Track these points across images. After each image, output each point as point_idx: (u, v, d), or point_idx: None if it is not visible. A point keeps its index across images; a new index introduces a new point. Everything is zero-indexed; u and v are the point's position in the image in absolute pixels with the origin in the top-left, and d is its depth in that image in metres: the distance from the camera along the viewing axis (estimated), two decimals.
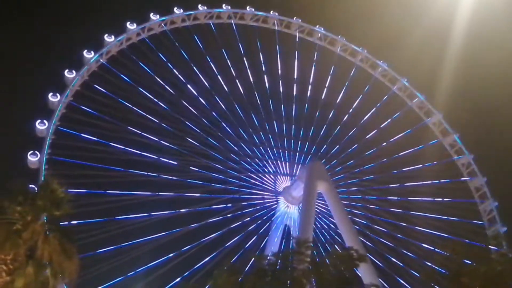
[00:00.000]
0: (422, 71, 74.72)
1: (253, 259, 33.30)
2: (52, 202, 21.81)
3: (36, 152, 52.65)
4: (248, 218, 61.07)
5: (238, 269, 26.78)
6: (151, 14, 64.00)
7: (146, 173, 56.62)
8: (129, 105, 59.05)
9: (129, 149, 57.36)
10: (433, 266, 55.32)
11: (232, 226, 59.16)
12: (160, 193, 57.24)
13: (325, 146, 67.16)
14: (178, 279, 52.24)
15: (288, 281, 23.16)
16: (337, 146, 67.13)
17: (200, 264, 54.38)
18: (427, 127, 68.82)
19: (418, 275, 54.09)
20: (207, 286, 24.89)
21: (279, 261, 27.05)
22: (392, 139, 67.75)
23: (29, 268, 21.24)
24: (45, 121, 54.09)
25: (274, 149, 65.44)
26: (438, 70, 71.25)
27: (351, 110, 68.68)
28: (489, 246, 59.48)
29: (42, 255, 21.14)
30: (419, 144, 67.72)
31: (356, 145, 67.40)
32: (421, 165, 67.18)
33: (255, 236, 59.80)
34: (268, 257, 26.36)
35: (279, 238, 63.48)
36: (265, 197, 64.47)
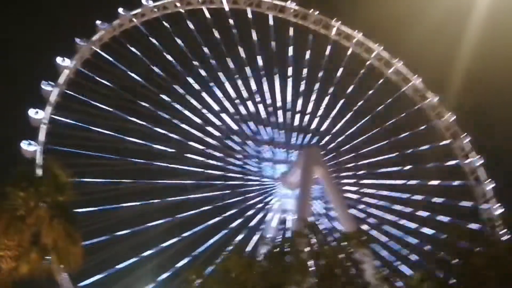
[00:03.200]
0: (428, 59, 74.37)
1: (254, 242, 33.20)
2: (56, 187, 21.61)
3: (31, 141, 52.35)
4: (246, 204, 61.34)
5: (244, 251, 26.69)
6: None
7: (143, 161, 56.58)
8: (123, 92, 58.88)
9: (126, 137, 57.25)
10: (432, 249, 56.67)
11: (230, 212, 59.44)
12: (158, 181, 57.17)
13: (321, 132, 67.25)
14: (179, 264, 52.70)
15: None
16: (333, 131, 67.23)
17: (200, 249, 54.46)
18: (424, 111, 68.68)
19: (419, 258, 54.68)
20: (210, 269, 24.57)
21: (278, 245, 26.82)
22: (387, 124, 67.68)
23: (33, 254, 21.13)
24: (39, 110, 53.76)
25: (273, 135, 65.70)
26: (443, 57, 70.88)
27: (345, 96, 68.52)
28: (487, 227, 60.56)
29: (46, 241, 20.97)
30: (415, 127, 67.62)
31: (352, 130, 67.41)
32: (416, 149, 67.17)
33: (254, 221, 60.15)
34: (276, 240, 26.25)
35: (277, 223, 63.76)
36: (263, 182, 64.62)
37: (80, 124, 55.19)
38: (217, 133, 62.57)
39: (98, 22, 60.19)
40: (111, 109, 57.22)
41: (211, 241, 55.32)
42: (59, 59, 56.73)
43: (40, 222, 20.94)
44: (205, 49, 64.57)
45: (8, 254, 20.39)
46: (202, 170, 59.63)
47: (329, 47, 68.77)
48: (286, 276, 21.13)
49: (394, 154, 66.11)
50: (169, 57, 62.40)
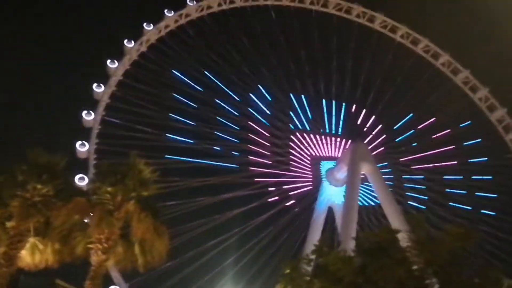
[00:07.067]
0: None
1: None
2: (140, 182, 22.07)
3: (84, 142, 53.74)
4: (293, 201, 61.29)
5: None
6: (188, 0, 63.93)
7: (192, 159, 57.29)
8: (173, 94, 59.93)
9: (177, 137, 58.23)
10: None
11: (277, 209, 59.50)
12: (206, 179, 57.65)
13: (367, 127, 66.72)
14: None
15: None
16: (380, 126, 66.34)
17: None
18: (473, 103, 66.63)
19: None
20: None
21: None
22: (422, 125, 66.40)
23: (119, 247, 21.68)
24: (91, 111, 55.18)
25: (318, 138, 65.42)
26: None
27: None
28: None
29: (136, 234, 21.45)
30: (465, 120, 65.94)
31: (398, 125, 66.46)
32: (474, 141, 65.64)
33: (301, 218, 60.29)
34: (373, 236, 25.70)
35: (323, 219, 63.32)
36: (309, 179, 64.21)
37: (130, 124, 56.40)
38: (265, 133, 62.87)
39: (144, 24, 61.16)
40: (160, 109, 58.27)
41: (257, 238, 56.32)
42: (108, 62, 58.10)
43: (129, 216, 21.43)
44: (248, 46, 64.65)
45: (99, 247, 21.01)
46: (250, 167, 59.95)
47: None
48: (385, 273, 20.62)
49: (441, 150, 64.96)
50: (212, 56, 63.09)
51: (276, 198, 59.41)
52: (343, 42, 65.80)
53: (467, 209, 62.20)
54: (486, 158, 64.88)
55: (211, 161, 58.53)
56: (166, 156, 56.01)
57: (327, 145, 65.98)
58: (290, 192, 61.49)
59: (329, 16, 67.45)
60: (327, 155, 65.78)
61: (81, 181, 47.64)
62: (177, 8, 62.99)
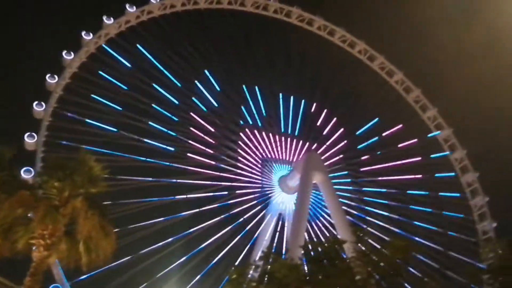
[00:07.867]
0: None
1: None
2: (89, 179, 21.53)
3: (33, 134, 52.01)
4: (243, 207, 61.01)
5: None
6: None
7: (144, 158, 56.17)
8: (126, 88, 58.54)
9: (127, 133, 56.78)
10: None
11: (227, 214, 59.09)
12: (157, 179, 56.62)
13: (327, 129, 67.10)
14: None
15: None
16: (334, 137, 67.36)
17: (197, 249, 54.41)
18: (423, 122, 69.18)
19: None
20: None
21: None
22: (388, 132, 67.93)
23: (63, 245, 21.08)
24: (42, 103, 53.50)
25: (272, 139, 64.96)
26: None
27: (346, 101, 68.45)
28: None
29: (82, 232, 20.86)
30: (414, 137, 67.95)
31: (353, 136, 67.77)
32: (414, 159, 67.44)
33: (251, 224, 59.90)
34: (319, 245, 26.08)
35: (273, 226, 63.69)
36: (258, 183, 64.04)
37: (82, 118, 54.90)
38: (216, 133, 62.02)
39: (104, 17, 59.93)
40: (114, 105, 57.02)
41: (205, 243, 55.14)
42: (64, 53, 56.51)
43: (76, 213, 20.89)
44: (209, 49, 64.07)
45: (42, 243, 20.36)
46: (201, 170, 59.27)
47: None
48: (330, 281, 21.10)
49: (393, 163, 66.57)
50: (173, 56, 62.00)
51: (216, 205, 58.01)
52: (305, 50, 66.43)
53: (433, 229, 62.06)
54: (453, 173, 66.30)
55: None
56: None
57: (280, 146, 64.50)
58: (238, 198, 60.10)
59: (291, 26, 68.47)
60: (280, 157, 64.64)
61: (27, 174, 45.92)
62: (140, 4, 62.29)
